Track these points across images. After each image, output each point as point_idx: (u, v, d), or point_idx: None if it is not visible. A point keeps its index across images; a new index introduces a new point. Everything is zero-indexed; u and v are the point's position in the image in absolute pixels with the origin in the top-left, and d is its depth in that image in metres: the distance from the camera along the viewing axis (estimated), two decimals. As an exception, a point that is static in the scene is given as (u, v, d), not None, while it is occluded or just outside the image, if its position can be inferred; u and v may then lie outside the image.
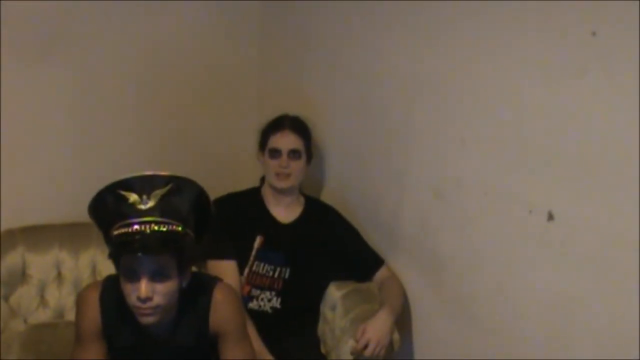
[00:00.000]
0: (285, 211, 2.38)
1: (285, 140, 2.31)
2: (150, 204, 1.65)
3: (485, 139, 1.83)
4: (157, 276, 1.66)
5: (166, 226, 1.66)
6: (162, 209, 1.66)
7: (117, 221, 1.68)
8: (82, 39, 2.61)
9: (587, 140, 1.52)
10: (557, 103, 1.58)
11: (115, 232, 1.68)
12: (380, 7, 2.22)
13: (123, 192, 1.68)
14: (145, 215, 1.65)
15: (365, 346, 2.05)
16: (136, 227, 1.65)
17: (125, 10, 2.64)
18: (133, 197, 1.67)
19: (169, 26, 2.77)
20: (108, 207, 1.70)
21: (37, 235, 2.50)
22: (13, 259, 2.43)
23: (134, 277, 1.66)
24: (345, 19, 2.43)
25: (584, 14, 1.48)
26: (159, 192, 1.64)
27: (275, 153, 2.30)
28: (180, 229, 1.68)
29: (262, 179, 2.48)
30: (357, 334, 2.08)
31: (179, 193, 1.69)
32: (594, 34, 1.45)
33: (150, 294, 1.65)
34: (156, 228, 1.65)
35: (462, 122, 1.92)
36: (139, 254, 1.63)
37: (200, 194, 1.74)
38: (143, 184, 1.67)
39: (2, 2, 2.40)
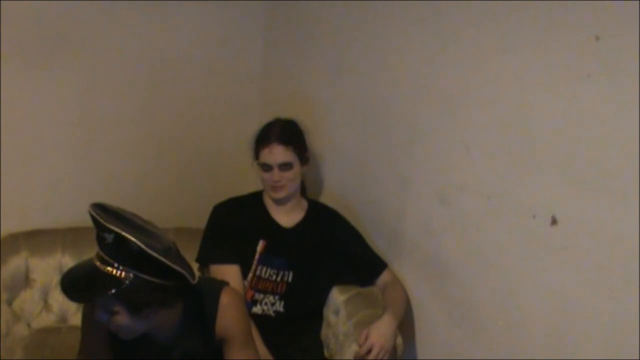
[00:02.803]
0: (287, 215, 2.37)
1: (274, 155, 2.26)
2: (109, 241, 1.62)
3: (488, 144, 1.83)
4: (106, 312, 1.67)
5: (110, 270, 1.63)
6: (116, 252, 1.63)
7: None
8: (85, 43, 2.62)
9: (591, 145, 1.51)
10: (561, 107, 1.58)
11: None
12: (384, 11, 2.22)
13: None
14: (104, 251, 1.64)
15: (369, 351, 2.05)
16: (98, 262, 1.65)
17: (127, 15, 2.65)
18: (97, 230, 1.66)
19: (173, 30, 2.77)
20: None
21: (40, 239, 2.51)
22: (16, 263, 2.44)
23: None
24: (350, 23, 2.43)
25: (587, 18, 1.48)
26: (107, 236, 1.62)
27: (266, 167, 2.28)
28: (121, 275, 1.62)
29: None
30: (361, 339, 2.07)
31: (123, 245, 1.62)
32: (597, 38, 1.45)
33: (102, 318, 1.68)
34: (106, 269, 1.63)
35: (465, 127, 1.92)
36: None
37: (141, 252, 1.63)
38: (96, 222, 1.64)
39: (2, 2, 2.40)
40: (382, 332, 2.07)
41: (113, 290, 1.61)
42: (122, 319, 1.67)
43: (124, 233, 1.59)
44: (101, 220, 1.61)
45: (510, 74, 1.73)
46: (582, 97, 1.52)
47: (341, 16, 2.47)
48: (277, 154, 2.27)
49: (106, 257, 1.63)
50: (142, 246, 1.60)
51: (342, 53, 2.51)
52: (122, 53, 2.70)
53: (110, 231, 1.60)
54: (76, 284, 1.66)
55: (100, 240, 1.64)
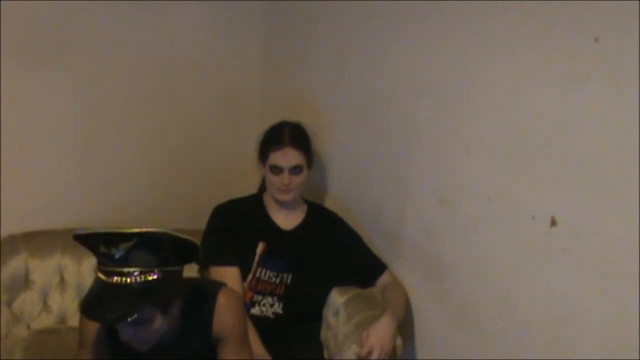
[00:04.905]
0: (287, 218, 2.37)
1: (287, 159, 2.26)
2: (122, 253, 1.58)
3: (488, 145, 1.83)
4: (137, 324, 1.63)
5: (136, 277, 1.59)
6: (134, 259, 1.59)
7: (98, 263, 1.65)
8: (84, 45, 2.62)
9: (590, 146, 1.51)
10: (560, 109, 1.58)
11: (97, 273, 1.64)
12: (385, 11, 2.22)
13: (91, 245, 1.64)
14: (117, 265, 1.59)
15: (369, 352, 2.05)
16: (116, 278, 1.59)
17: (127, 16, 2.65)
18: (102, 248, 1.61)
19: (172, 32, 2.77)
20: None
21: (39, 241, 2.50)
22: (16, 264, 2.43)
23: None
24: (350, 23, 2.43)
25: (587, 20, 1.48)
26: (125, 245, 1.58)
27: (276, 170, 2.27)
28: (151, 277, 1.60)
29: (261, 186, 2.48)
30: (362, 340, 2.07)
31: (148, 244, 1.60)
32: (597, 39, 1.45)
33: (128, 335, 1.65)
34: (129, 281, 1.59)
35: (465, 128, 1.92)
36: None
37: (171, 241, 1.63)
38: (107, 239, 1.60)
39: (2, 2, 2.40)
40: (381, 333, 2.07)
41: (147, 295, 1.59)
42: (157, 322, 1.65)
43: (152, 229, 1.59)
44: (121, 231, 1.57)
45: (510, 75, 1.72)
46: (582, 98, 1.51)
47: (341, 16, 2.47)
48: (291, 157, 2.26)
49: (123, 270, 1.58)
50: (174, 233, 1.61)
51: (342, 53, 2.50)
52: (122, 54, 2.70)
53: (133, 236, 1.58)
54: (109, 309, 1.59)
55: (108, 256, 1.59)
